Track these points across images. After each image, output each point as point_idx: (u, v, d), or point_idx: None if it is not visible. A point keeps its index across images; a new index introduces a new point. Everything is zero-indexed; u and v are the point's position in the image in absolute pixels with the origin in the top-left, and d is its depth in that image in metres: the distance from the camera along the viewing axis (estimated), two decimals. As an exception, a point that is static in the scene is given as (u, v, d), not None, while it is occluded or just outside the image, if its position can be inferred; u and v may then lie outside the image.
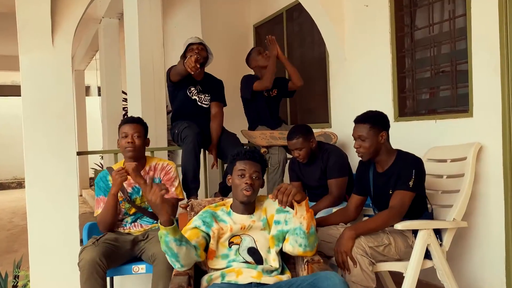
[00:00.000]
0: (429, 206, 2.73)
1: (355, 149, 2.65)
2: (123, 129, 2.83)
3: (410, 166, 2.52)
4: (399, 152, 2.67)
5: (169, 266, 2.40)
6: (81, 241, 3.25)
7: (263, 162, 2.33)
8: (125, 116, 6.82)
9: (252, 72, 4.24)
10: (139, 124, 2.86)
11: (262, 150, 3.83)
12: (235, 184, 2.28)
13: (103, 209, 2.71)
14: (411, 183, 2.48)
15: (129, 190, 2.81)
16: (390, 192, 2.56)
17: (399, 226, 2.46)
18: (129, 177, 2.76)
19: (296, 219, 2.16)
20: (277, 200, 2.07)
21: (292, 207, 2.15)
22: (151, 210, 2.82)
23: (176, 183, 2.86)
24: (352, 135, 2.67)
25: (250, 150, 2.31)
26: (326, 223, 2.76)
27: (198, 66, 3.40)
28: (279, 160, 3.79)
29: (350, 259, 2.39)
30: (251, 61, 4.15)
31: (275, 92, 4.16)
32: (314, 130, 3.50)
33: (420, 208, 2.63)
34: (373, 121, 2.60)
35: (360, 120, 2.64)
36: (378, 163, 2.68)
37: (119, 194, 2.76)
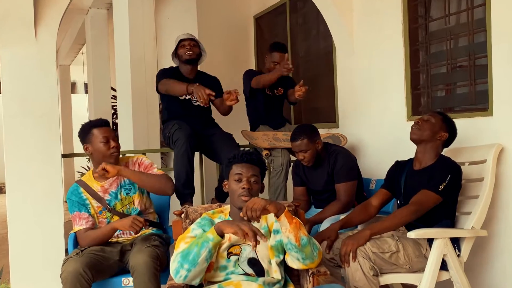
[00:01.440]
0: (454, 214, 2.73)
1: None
2: (101, 133, 2.82)
3: (447, 170, 2.57)
4: (442, 156, 2.73)
5: (150, 277, 2.42)
6: (66, 251, 3.25)
7: (261, 165, 2.33)
8: (114, 115, 6.82)
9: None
10: (109, 127, 2.90)
11: (264, 152, 3.83)
12: (232, 190, 2.28)
13: (97, 236, 2.70)
14: (441, 186, 2.52)
15: (107, 197, 2.81)
16: None
17: (412, 234, 2.46)
18: (102, 183, 2.82)
19: (283, 234, 2.17)
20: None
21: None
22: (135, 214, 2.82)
23: (154, 166, 2.95)
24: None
25: (247, 152, 2.31)
26: (350, 224, 2.80)
27: (190, 56, 3.56)
28: (282, 163, 3.79)
29: (353, 253, 2.46)
30: (268, 59, 4.10)
31: (281, 91, 4.16)
32: (321, 131, 3.50)
33: (441, 215, 2.63)
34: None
35: None
36: (417, 159, 2.73)
37: (95, 204, 2.79)
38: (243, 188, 2.22)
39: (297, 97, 3.78)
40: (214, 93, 3.44)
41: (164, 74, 3.78)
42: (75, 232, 2.76)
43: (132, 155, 3.11)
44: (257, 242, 1.97)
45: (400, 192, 2.78)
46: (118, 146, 2.84)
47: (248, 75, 4.05)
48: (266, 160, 3.73)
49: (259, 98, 4.07)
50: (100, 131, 2.82)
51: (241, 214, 2.11)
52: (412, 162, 2.79)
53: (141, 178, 2.83)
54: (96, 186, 2.83)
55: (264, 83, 3.90)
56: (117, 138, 2.89)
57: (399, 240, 2.56)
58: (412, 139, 2.75)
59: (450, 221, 2.69)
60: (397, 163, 2.90)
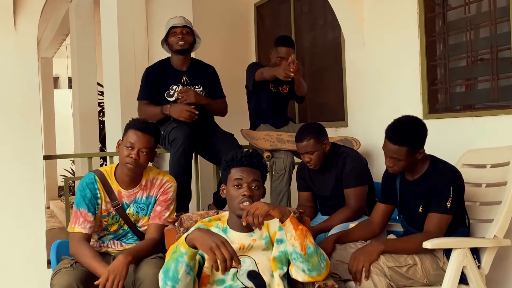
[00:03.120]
0: (467, 220, 2.73)
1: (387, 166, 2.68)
2: (131, 136, 2.72)
3: (447, 182, 2.55)
4: (433, 159, 2.69)
5: None
6: (49, 262, 3.24)
7: (263, 168, 2.33)
8: (101, 113, 6.83)
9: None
10: (152, 137, 2.76)
11: (265, 154, 3.83)
12: (230, 196, 2.28)
13: (84, 262, 2.56)
14: (448, 203, 2.51)
15: (126, 200, 2.77)
16: (421, 210, 2.57)
17: (428, 244, 2.46)
18: (123, 187, 2.75)
19: (287, 241, 2.16)
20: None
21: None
22: (140, 229, 2.81)
23: (172, 207, 2.83)
24: (384, 150, 2.67)
25: (247, 154, 2.30)
26: (347, 239, 2.78)
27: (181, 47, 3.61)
28: (285, 165, 3.79)
29: (366, 271, 2.42)
30: (273, 53, 4.09)
31: (286, 89, 4.16)
32: (329, 131, 3.49)
33: (456, 223, 2.63)
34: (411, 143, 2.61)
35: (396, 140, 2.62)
36: (408, 172, 2.70)
37: (104, 207, 2.75)
38: (244, 195, 2.22)
39: (287, 74, 3.60)
40: (196, 112, 3.56)
41: (146, 85, 3.77)
42: (58, 241, 2.75)
43: (165, 173, 2.96)
44: (227, 270, 1.96)
45: (397, 202, 2.78)
46: (137, 160, 2.69)
47: (252, 68, 4.05)
48: (268, 163, 3.73)
49: (262, 94, 4.07)
50: (132, 135, 2.72)
51: (243, 221, 2.11)
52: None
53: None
54: (114, 186, 2.77)
55: (266, 76, 3.88)
56: (149, 153, 2.73)
57: (416, 253, 2.55)
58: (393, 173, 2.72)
59: (467, 229, 2.69)
60: (387, 170, 2.83)
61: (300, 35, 5.30)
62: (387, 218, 2.86)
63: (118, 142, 2.81)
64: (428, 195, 2.58)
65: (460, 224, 2.65)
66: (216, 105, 3.86)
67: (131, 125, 2.76)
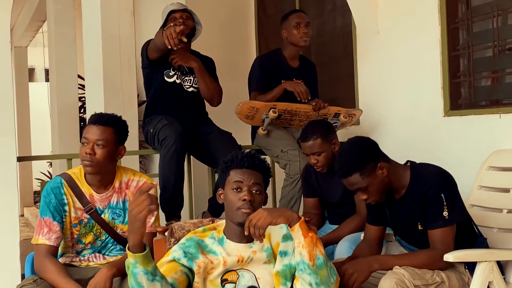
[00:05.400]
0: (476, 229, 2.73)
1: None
2: (85, 132, 2.74)
3: (436, 190, 2.52)
4: (413, 166, 2.67)
5: None
6: (23, 276, 3.24)
7: (266, 171, 2.32)
8: (82, 109, 6.83)
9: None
10: (109, 127, 2.74)
11: (261, 131, 3.82)
12: (229, 201, 2.27)
13: (54, 281, 2.51)
14: (445, 213, 2.49)
15: (99, 205, 2.76)
16: (420, 227, 2.57)
17: (450, 257, 2.45)
18: (96, 191, 2.74)
19: (295, 249, 2.16)
20: (282, 224, 2.08)
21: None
22: (120, 234, 2.80)
23: (156, 212, 2.82)
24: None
25: (248, 155, 2.30)
26: None
27: (185, 39, 3.43)
28: (301, 169, 3.75)
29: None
30: (284, 29, 4.08)
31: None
32: (338, 132, 3.49)
33: (469, 232, 2.63)
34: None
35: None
36: (389, 188, 2.67)
37: (73, 214, 2.74)
38: (244, 199, 2.21)
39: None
40: (187, 31, 3.52)
41: (151, 41, 3.78)
42: (35, 245, 2.72)
43: (141, 173, 2.95)
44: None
45: (390, 224, 2.76)
46: (92, 155, 2.67)
47: (251, 80, 4.06)
48: (273, 163, 3.71)
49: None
50: (86, 130, 2.74)
51: (245, 231, 2.10)
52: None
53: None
54: (85, 190, 2.76)
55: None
56: (107, 146, 2.70)
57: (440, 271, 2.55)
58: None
59: (482, 238, 2.69)
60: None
61: (306, 22, 5.30)
62: (382, 236, 2.85)
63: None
64: (422, 209, 2.55)
65: (472, 231, 2.65)
66: (211, 83, 3.87)
67: (88, 121, 2.79)
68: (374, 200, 2.64)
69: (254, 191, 2.25)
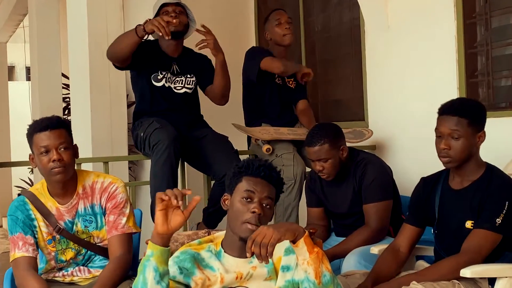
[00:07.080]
0: None
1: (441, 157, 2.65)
2: (39, 141, 2.71)
3: (503, 196, 2.53)
4: (489, 166, 2.69)
5: None
6: (2, 293, 3.24)
7: (280, 186, 2.32)
8: (67, 110, 6.83)
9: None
10: (62, 129, 2.76)
11: (265, 147, 3.84)
12: (235, 210, 2.25)
13: None
14: (499, 220, 2.49)
15: (60, 225, 2.78)
16: (469, 226, 2.55)
17: (467, 273, 2.45)
18: (61, 204, 2.76)
19: (299, 266, 2.15)
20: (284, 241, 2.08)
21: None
22: (100, 245, 2.81)
23: (127, 211, 2.82)
24: (438, 131, 2.67)
25: (266, 164, 2.28)
26: (382, 279, 2.65)
27: (176, 28, 3.50)
28: (295, 174, 3.76)
29: None
30: (266, 30, 4.19)
31: (293, 84, 4.20)
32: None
33: (502, 247, 2.62)
34: (473, 116, 2.63)
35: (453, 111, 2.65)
36: (457, 176, 2.69)
37: (45, 230, 2.75)
38: (253, 211, 2.20)
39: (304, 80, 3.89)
40: (180, 28, 3.60)
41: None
42: (12, 261, 2.73)
43: (105, 174, 2.96)
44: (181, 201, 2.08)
45: (434, 218, 2.76)
46: (61, 159, 2.68)
47: (255, 54, 4.08)
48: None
49: (265, 87, 4.10)
50: (39, 138, 2.72)
51: (247, 251, 2.06)
52: (446, 177, 2.74)
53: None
54: (51, 205, 2.78)
55: (285, 70, 3.99)
56: (70, 147, 2.75)
57: (461, 283, 2.54)
58: (447, 167, 2.70)
59: (509, 251, 2.68)
60: (424, 181, 2.82)
61: (310, 16, 5.31)
62: (415, 242, 2.83)
63: (30, 157, 2.81)
64: (479, 207, 2.56)
65: (507, 247, 2.64)
66: (229, 80, 3.90)
67: (32, 131, 2.76)
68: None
69: (265, 205, 2.23)
